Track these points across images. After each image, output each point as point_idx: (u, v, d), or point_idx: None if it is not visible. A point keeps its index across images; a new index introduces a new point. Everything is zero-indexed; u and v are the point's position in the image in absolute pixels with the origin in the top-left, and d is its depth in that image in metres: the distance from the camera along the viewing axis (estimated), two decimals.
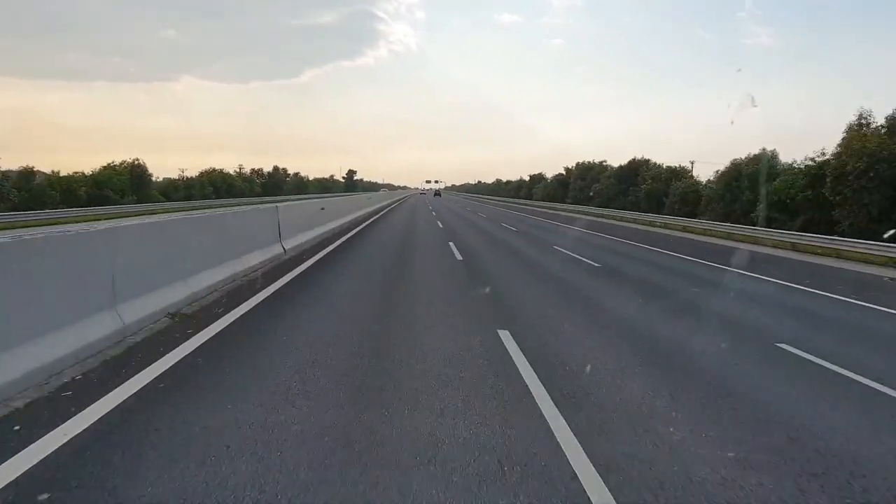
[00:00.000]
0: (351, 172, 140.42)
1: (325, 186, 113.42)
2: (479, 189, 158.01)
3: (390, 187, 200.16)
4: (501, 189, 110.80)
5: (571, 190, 54.57)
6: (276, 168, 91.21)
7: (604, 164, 51.99)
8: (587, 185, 50.37)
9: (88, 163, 65.93)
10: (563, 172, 61.96)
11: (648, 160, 43.10)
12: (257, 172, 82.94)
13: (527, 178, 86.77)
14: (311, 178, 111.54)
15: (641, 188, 39.45)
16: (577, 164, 56.99)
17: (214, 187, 61.50)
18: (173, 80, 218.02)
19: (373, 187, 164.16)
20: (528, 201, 70.73)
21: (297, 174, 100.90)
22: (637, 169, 42.73)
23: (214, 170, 67.17)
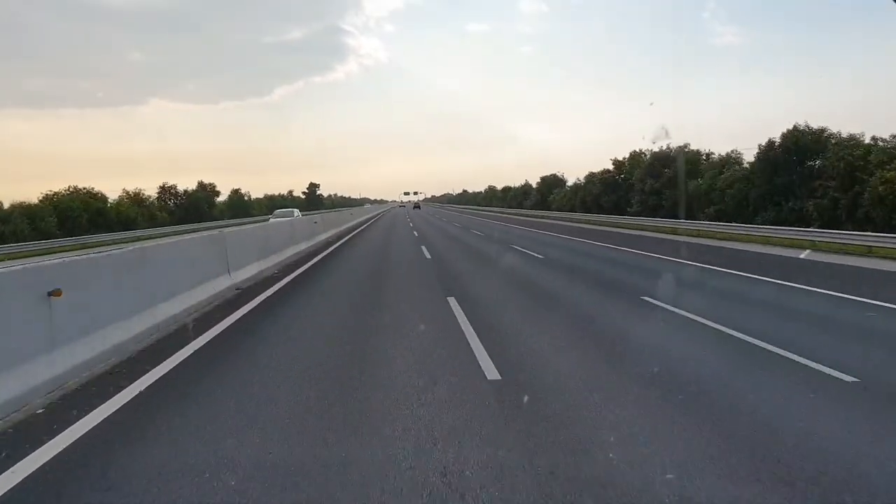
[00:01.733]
0: (313, 186, 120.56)
1: (281, 205, 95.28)
2: (464, 199, 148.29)
3: (365, 202, 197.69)
4: (496, 198, 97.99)
5: (638, 192, 38.65)
6: (201, 185, 68.79)
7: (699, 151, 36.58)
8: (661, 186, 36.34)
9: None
10: (611, 169, 45.64)
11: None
12: (169, 191, 62.84)
13: (533, 183, 71.92)
14: (258, 197, 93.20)
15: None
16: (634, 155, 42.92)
17: (63, 218, 41.30)
18: (142, 103, 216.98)
19: (345, 202, 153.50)
20: (541, 213, 55.40)
21: (237, 191, 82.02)
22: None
23: (77, 191, 45.77)
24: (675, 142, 39.96)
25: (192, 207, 63.43)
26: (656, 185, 36.80)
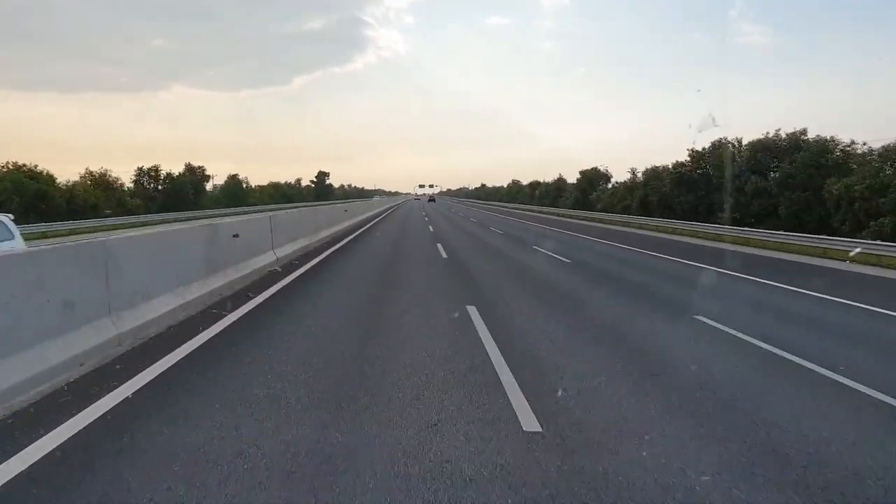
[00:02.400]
0: (322, 175, 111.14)
1: (287, 196, 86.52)
2: (482, 194, 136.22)
3: (380, 193, 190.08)
4: (522, 194, 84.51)
5: (733, 193, 27.90)
6: (189, 168, 59.22)
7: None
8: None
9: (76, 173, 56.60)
10: (687, 161, 34.44)
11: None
12: (149, 174, 53.42)
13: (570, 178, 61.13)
14: (262, 184, 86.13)
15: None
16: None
17: None
18: (164, 88, 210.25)
19: (360, 194, 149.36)
20: (581, 213, 44.14)
21: (234, 176, 72.99)
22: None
23: (17, 167, 37.78)
24: (723, 132, 31.38)
25: (176, 194, 54.09)
26: (763, 185, 27.21)
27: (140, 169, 54.12)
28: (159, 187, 54.92)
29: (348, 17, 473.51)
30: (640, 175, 41.18)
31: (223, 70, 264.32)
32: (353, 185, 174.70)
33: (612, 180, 50.81)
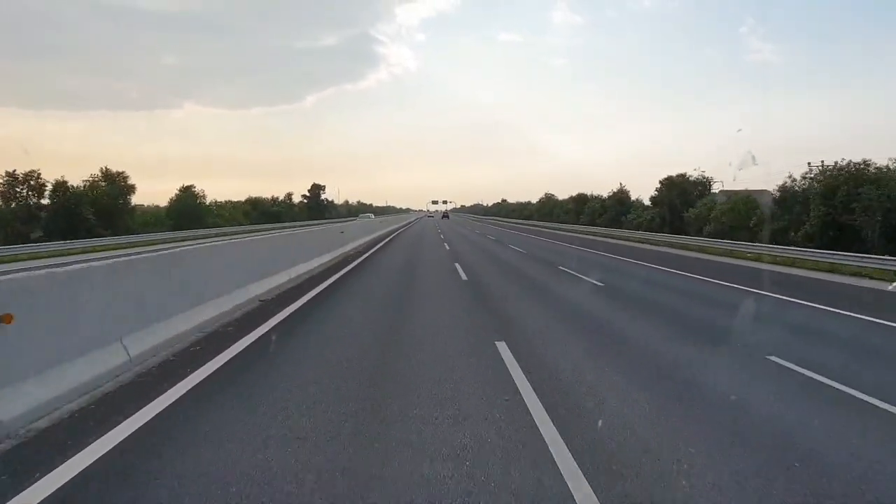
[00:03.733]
0: (317, 189, 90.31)
1: (271, 214, 70.75)
2: (501, 210, 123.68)
3: (390, 210, 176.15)
4: (560, 210, 66.64)
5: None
6: (106, 174, 40.73)
7: None
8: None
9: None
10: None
11: None
12: (29, 184, 35.36)
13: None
14: (228, 201, 65.89)
15: None
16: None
17: None
18: (175, 106, 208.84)
19: (366, 209, 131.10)
20: (672, 238, 30.81)
21: (187, 188, 52.52)
22: None
23: None
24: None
25: (70, 212, 35.74)
26: None
27: (10, 174, 35.02)
28: (43, 202, 36.45)
29: (360, 34, 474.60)
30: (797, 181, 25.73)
31: (235, 88, 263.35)
32: (360, 202, 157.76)
33: (717, 189, 37.28)
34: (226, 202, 64.95)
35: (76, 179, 38.86)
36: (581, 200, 58.84)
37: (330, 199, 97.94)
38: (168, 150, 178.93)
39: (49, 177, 35.93)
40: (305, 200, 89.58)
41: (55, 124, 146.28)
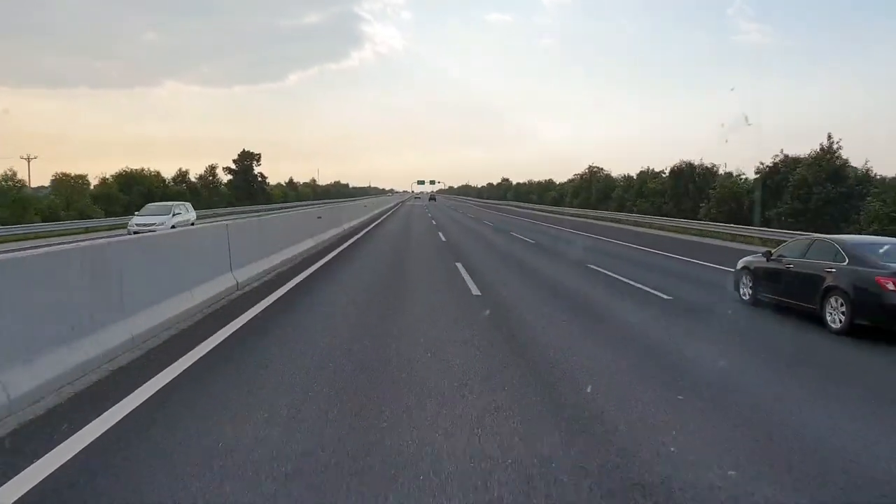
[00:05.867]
0: (246, 159, 64.68)
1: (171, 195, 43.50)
2: (493, 193, 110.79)
3: (375, 192, 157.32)
4: (595, 191, 52.90)
5: None
6: None
7: None
8: None
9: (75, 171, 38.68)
10: None
11: None
12: None
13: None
14: (111, 175, 45.06)
15: None
16: None
17: None
18: (157, 84, 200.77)
19: (345, 193, 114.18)
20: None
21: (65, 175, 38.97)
22: None
23: None
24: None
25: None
26: None
27: None
28: None
29: (345, 12, 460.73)
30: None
31: (217, 65, 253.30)
32: (341, 182, 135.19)
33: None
34: (110, 178, 45.30)
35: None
36: (640, 182, 45.81)
37: (265, 178, 69.91)
38: (150, 129, 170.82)
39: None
40: (230, 175, 64.01)
41: (37, 102, 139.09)
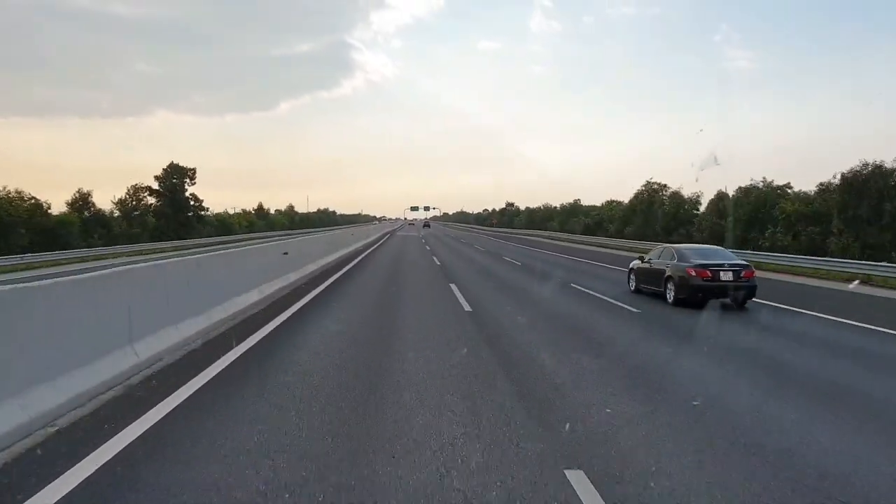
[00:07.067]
0: (175, 173, 53.80)
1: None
2: (499, 220, 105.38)
3: (364, 219, 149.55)
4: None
5: None
6: None
7: None
8: None
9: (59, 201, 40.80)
10: None
11: None
12: None
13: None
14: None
15: None
16: None
17: None
18: (149, 114, 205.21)
19: (327, 221, 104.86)
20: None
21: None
22: None
23: None
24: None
25: None
26: None
27: None
28: None
29: (336, 42, 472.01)
30: None
31: (209, 95, 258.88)
32: (329, 209, 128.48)
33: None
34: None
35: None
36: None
37: (200, 201, 55.45)
38: (143, 158, 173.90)
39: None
40: (155, 196, 50.55)
41: (26, 132, 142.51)
